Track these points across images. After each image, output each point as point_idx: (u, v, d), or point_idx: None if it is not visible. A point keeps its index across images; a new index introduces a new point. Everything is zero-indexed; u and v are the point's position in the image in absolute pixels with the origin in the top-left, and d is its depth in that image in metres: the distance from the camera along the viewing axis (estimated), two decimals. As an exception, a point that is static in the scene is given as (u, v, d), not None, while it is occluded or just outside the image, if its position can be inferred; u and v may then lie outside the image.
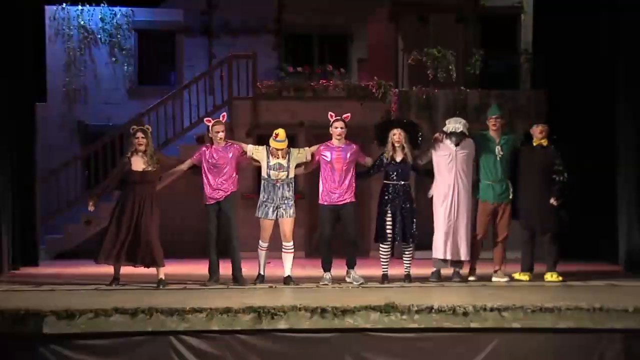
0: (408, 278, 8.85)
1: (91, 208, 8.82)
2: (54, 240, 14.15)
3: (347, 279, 8.81)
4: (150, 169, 8.58)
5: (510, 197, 9.09)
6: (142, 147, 8.60)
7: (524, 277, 9.04)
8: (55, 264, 12.39)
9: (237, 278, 8.74)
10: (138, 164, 8.58)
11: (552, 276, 8.99)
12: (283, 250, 8.84)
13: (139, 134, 8.64)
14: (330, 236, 8.79)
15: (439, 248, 8.93)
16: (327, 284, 8.64)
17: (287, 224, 8.77)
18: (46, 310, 6.47)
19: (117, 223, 8.53)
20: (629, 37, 11.25)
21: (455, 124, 8.95)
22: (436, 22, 15.82)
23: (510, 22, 16.30)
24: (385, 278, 8.86)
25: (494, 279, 9.04)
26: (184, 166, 8.99)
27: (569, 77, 13.56)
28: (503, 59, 15.36)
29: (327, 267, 8.84)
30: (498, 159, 9.01)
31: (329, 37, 16.49)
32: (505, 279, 9.01)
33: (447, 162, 8.89)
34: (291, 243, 8.84)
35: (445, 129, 8.99)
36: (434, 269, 9.10)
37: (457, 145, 8.89)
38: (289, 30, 16.42)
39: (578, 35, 13.24)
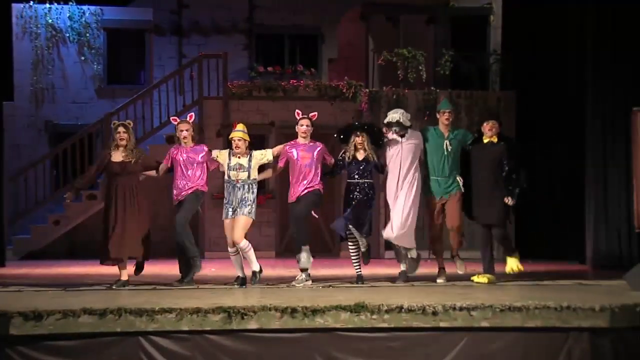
0: (358, 280, 8.78)
1: (68, 200, 8.79)
2: (21, 240, 14.01)
3: (295, 283, 8.65)
4: (129, 160, 8.47)
5: (457, 189, 8.88)
6: (124, 142, 8.50)
7: (482, 279, 8.86)
8: (22, 265, 12.27)
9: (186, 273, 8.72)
10: (118, 156, 8.49)
11: (480, 277, 8.88)
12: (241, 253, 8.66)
13: (120, 129, 8.52)
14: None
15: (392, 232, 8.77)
16: (305, 284, 8.61)
17: (238, 223, 8.50)
18: (13, 311, 6.39)
19: (108, 220, 8.38)
20: (597, 35, 11.39)
21: (392, 114, 8.89)
22: (406, 23, 15.92)
23: (480, 23, 16.43)
24: (360, 279, 8.80)
25: (437, 280, 9.00)
26: (160, 173, 8.89)
27: (538, 78, 13.71)
28: (473, 59, 15.47)
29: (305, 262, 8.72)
30: (445, 154, 8.88)
31: (300, 37, 16.51)
32: (443, 280, 8.90)
33: (395, 154, 8.82)
34: (241, 244, 8.51)
35: (385, 121, 8.96)
36: (401, 269, 9.05)
37: (402, 136, 8.83)
38: (259, 30, 16.41)
39: (546, 36, 13.39)
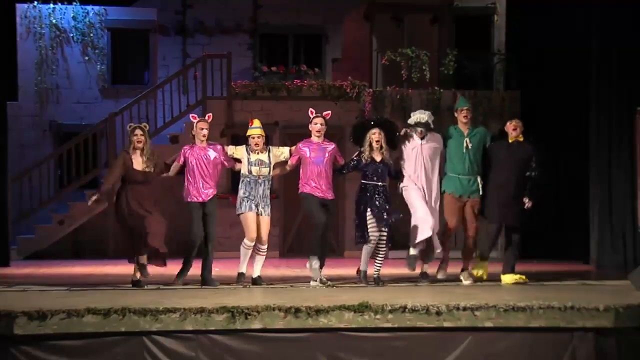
0: (378, 281, 8.72)
1: (90, 204, 8.66)
2: (26, 240, 14.03)
3: (313, 282, 8.62)
4: (151, 169, 8.46)
5: (477, 194, 8.87)
6: (141, 145, 8.47)
7: (480, 268, 8.91)
8: (27, 264, 12.28)
9: (207, 280, 8.68)
10: (139, 163, 8.46)
11: (512, 277, 8.87)
12: (257, 252, 8.76)
13: (138, 131, 8.49)
14: (326, 224, 8.56)
15: (422, 229, 8.64)
16: (315, 280, 8.57)
17: (265, 223, 8.68)
18: (17, 310, 6.41)
19: (130, 220, 8.32)
20: (602, 34, 11.37)
21: (419, 115, 8.86)
22: (410, 23, 15.92)
23: (484, 23, 16.42)
24: (364, 276, 8.76)
25: (462, 279, 8.95)
26: (172, 172, 8.88)
27: (541, 78, 13.70)
28: (477, 59, 15.45)
29: (318, 256, 8.64)
30: (466, 151, 8.84)
31: (304, 36, 16.51)
32: (470, 281, 8.89)
33: (414, 156, 8.78)
34: (266, 246, 8.77)
35: (409, 121, 8.92)
36: (412, 254, 8.83)
37: (422, 138, 8.80)
38: (263, 30, 16.41)
39: (551, 36, 13.38)
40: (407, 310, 6.65)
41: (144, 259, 8.41)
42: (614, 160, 11.26)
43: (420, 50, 14.81)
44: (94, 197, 8.51)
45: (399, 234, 9.14)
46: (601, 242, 11.30)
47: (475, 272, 9.01)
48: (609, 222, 11.25)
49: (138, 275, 8.50)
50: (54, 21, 15.75)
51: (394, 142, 8.85)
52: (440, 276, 9.03)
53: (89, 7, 15.87)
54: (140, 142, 8.48)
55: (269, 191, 8.73)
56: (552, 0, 13.12)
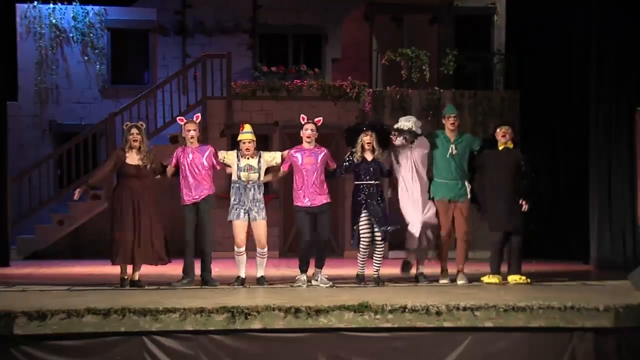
0: (378, 281, 8.72)
1: (76, 197, 8.62)
2: (25, 240, 14.03)
3: (314, 282, 8.65)
4: (145, 164, 8.44)
5: (465, 197, 8.91)
6: (137, 144, 8.46)
7: (494, 279, 8.88)
8: (27, 265, 12.28)
9: (206, 280, 8.68)
10: (133, 158, 8.44)
11: (519, 278, 8.89)
12: (258, 256, 8.74)
13: (134, 130, 8.48)
14: (311, 241, 8.65)
15: (413, 238, 8.81)
16: (301, 285, 8.61)
17: (260, 227, 8.63)
18: (17, 310, 6.40)
19: (123, 221, 8.29)
20: (602, 36, 11.38)
21: (404, 122, 8.92)
22: (410, 23, 15.93)
23: (484, 23, 16.43)
24: (361, 279, 8.80)
25: (457, 281, 8.97)
26: (168, 174, 8.86)
27: (541, 78, 13.71)
28: (477, 59, 15.46)
29: (304, 269, 8.74)
30: (452, 158, 8.87)
31: (304, 37, 16.51)
32: (464, 281, 8.89)
33: (405, 161, 8.84)
34: (265, 249, 8.74)
35: (396, 126, 8.96)
36: (407, 259, 9.00)
37: (411, 143, 8.85)
38: (263, 30, 16.42)
39: (551, 36, 13.39)
40: (407, 310, 6.65)
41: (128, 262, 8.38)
42: (614, 160, 11.26)
43: (420, 50, 14.82)
44: (79, 190, 8.53)
45: (398, 234, 9.14)
46: (601, 242, 11.30)
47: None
48: (608, 221, 11.26)
49: (126, 275, 8.51)
50: (53, 21, 15.75)
51: (386, 144, 8.87)
52: (443, 281, 8.99)
53: (88, 7, 15.87)
54: (137, 141, 8.46)
55: (261, 195, 8.66)
56: (552, 0, 13.13)
